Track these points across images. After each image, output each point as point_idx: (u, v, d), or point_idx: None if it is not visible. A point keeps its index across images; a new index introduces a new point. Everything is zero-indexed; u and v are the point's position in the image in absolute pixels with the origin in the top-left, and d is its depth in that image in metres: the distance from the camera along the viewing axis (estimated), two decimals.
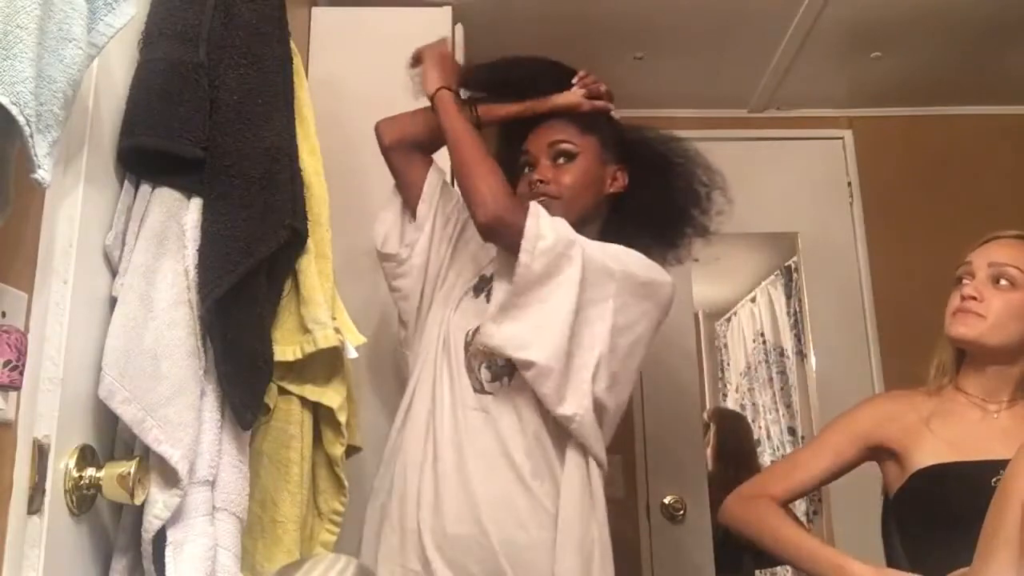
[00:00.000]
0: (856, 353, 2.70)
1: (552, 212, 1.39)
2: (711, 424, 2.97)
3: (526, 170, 1.48)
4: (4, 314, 0.79)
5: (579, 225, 1.42)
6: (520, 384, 1.31)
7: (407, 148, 1.51)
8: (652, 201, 1.50)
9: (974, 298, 1.40)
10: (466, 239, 1.54)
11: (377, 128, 1.52)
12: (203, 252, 0.99)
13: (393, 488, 1.35)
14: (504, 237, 1.31)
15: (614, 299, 1.31)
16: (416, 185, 1.52)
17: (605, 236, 1.45)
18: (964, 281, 1.44)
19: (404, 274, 1.50)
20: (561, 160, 1.45)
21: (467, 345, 1.37)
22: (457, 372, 1.36)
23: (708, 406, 3.33)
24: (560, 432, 1.31)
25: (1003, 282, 1.40)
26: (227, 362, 1.00)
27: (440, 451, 1.31)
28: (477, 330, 1.35)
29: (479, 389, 1.34)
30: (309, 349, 1.14)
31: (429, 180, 1.52)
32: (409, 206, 1.53)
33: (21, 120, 0.69)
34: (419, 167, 1.52)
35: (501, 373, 1.34)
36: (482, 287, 1.46)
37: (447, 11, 2.09)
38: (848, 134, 2.87)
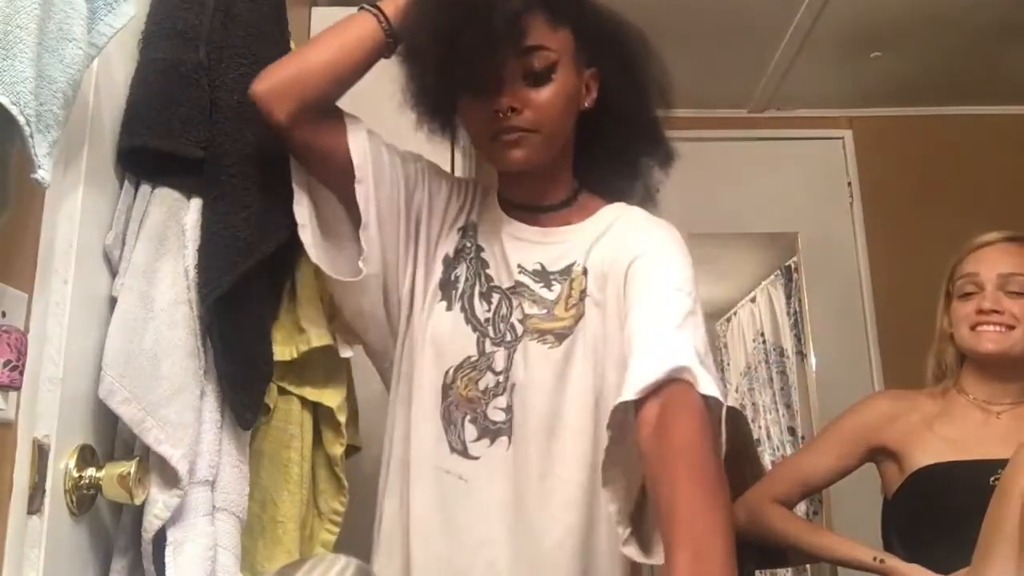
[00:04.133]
0: (856, 353, 2.71)
1: (526, 150, 1.03)
2: None
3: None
4: (4, 314, 0.79)
5: (560, 161, 1.10)
6: (522, 451, 1.01)
7: (313, 114, 1.02)
8: (623, 114, 1.11)
9: (996, 311, 1.40)
10: (419, 204, 1.11)
11: (258, 98, 1.00)
12: (203, 252, 0.99)
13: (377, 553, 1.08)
14: None
15: None
16: (334, 157, 1.04)
17: (577, 168, 1.13)
18: (970, 292, 1.44)
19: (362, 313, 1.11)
20: (535, 77, 1.01)
21: (446, 388, 1.03)
22: (427, 422, 1.04)
23: None
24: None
25: (1014, 289, 1.40)
26: (227, 362, 1.00)
27: (412, 528, 1.03)
28: (460, 367, 1.04)
29: (459, 449, 1.02)
30: (304, 348, 1.14)
31: (355, 146, 1.04)
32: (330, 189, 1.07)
33: (21, 120, 0.69)
34: (334, 132, 1.05)
35: (493, 433, 1.02)
36: (451, 290, 1.09)
37: None
38: (848, 134, 2.88)
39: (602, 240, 1.07)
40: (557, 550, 0.99)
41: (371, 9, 1.03)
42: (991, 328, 1.40)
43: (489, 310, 1.07)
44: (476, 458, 1.01)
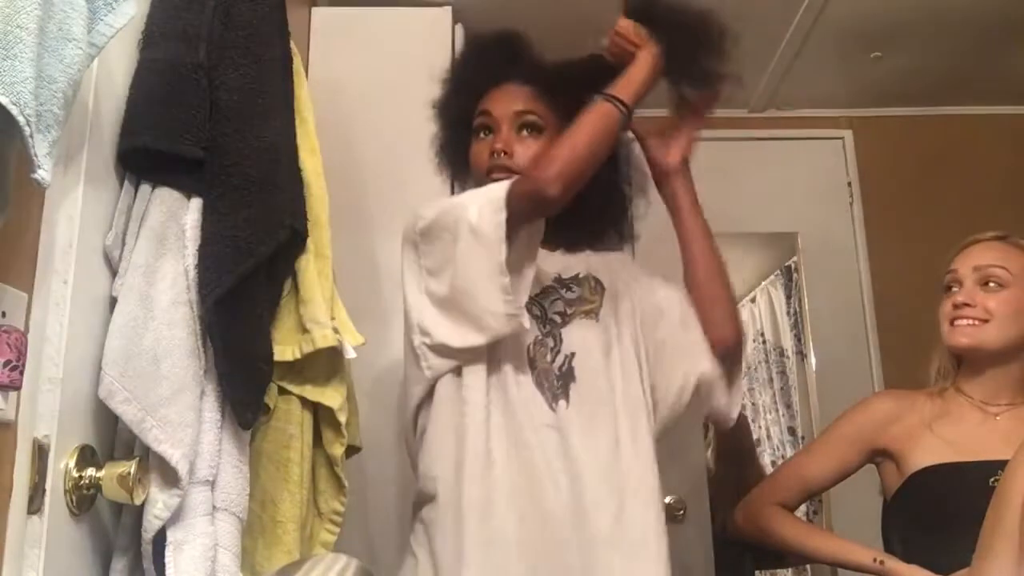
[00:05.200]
0: (856, 353, 2.70)
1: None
2: (710, 425, 2.96)
3: (482, 134, 1.34)
4: (4, 314, 0.79)
5: None
6: (578, 407, 1.24)
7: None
8: (600, 181, 1.34)
9: (968, 304, 1.41)
10: None
11: (558, 193, 1.16)
12: (203, 252, 0.99)
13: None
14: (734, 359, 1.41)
15: None
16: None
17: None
18: (952, 288, 1.45)
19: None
20: (525, 132, 1.32)
21: (531, 361, 1.26)
22: (525, 391, 1.24)
23: None
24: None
25: (991, 284, 1.42)
26: (227, 362, 1.00)
27: (540, 479, 1.20)
28: (535, 344, 1.27)
29: (552, 407, 1.24)
30: (307, 349, 1.14)
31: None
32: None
33: (21, 120, 0.69)
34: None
35: (559, 395, 1.25)
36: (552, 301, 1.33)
37: (447, 11, 2.09)
38: (848, 134, 2.87)
39: (591, 258, 1.40)
40: (631, 484, 1.23)
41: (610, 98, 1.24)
42: (965, 322, 1.42)
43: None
44: (557, 414, 1.24)
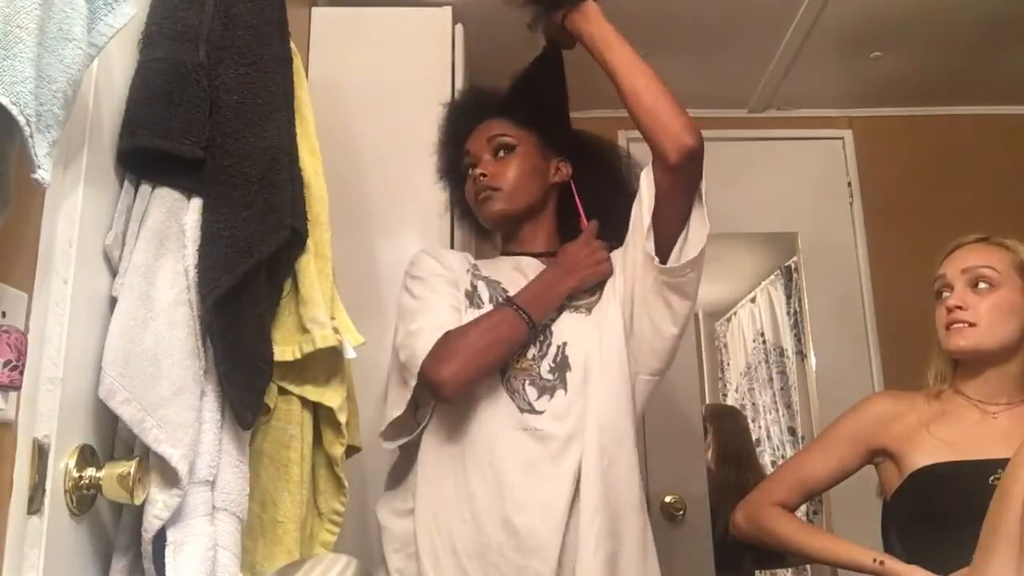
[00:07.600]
0: (856, 353, 2.71)
1: (496, 203, 1.42)
2: (709, 426, 2.96)
3: (469, 171, 1.48)
4: (4, 314, 0.79)
5: (528, 214, 1.46)
6: (575, 394, 1.29)
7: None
8: (600, 187, 1.50)
9: (960, 307, 1.42)
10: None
11: (436, 376, 1.25)
12: (203, 252, 0.99)
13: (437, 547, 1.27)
14: (695, 171, 1.27)
15: None
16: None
17: (560, 224, 1.49)
18: (944, 294, 1.46)
19: None
20: (501, 153, 1.45)
21: (502, 370, 1.32)
22: (493, 398, 1.30)
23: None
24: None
25: (982, 285, 1.43)
26: (227, 362, 1.00)
27: (506, 486, 1.26)
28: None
29: (528, 409, 1.29)
30: (308, 349, 1.14)
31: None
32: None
33: (21, 120, 0.69)
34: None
35: (550, 389, 1.30)
36: (475, 297, 1.41)
37: (447, 11, 2.09)
38: (848, 134, 2.88)
39: None
40: (624, 466, 1.33)
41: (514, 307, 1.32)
42: (959, 325, 1.42)
43: None
44: (542, 412, 1.29)
